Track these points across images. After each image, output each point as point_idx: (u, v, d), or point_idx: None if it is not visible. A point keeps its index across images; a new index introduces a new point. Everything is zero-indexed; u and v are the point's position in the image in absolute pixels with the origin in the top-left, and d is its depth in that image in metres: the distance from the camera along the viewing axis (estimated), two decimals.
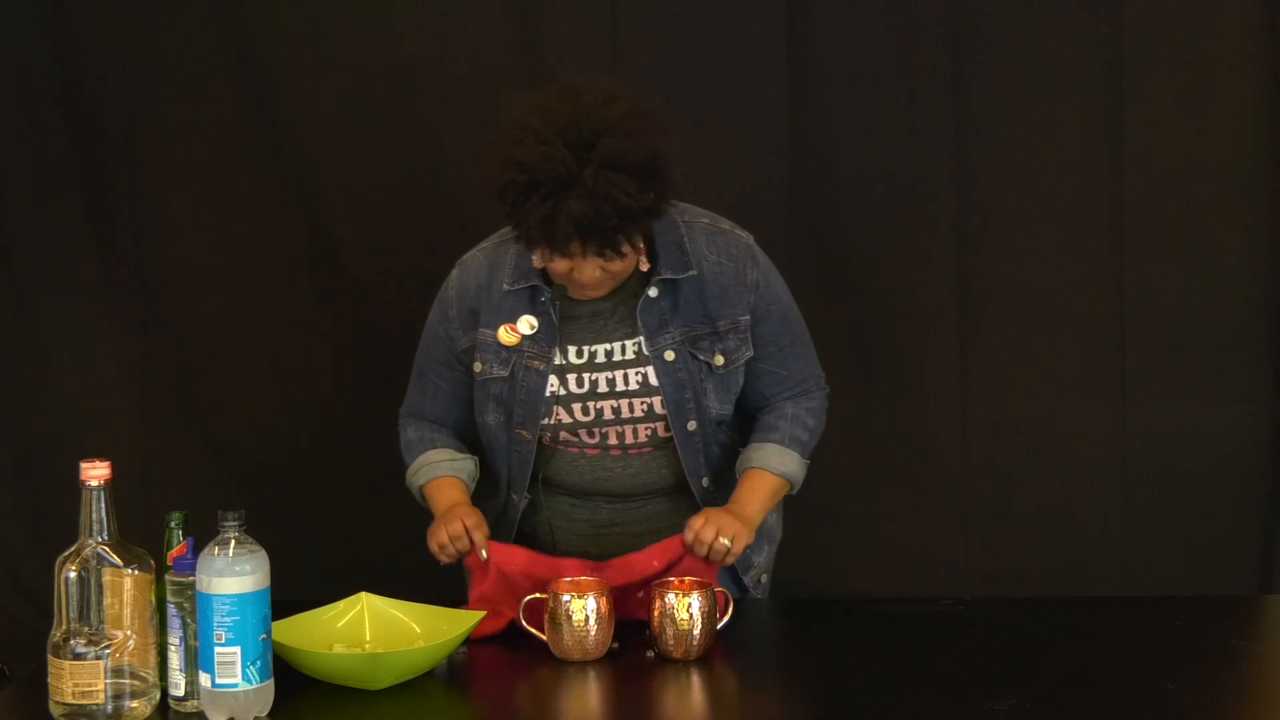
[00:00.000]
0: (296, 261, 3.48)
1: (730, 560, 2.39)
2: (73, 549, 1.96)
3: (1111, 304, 3.36)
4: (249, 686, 1.94)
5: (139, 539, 2.02)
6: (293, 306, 3.50)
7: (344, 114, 3.44)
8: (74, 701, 1.94)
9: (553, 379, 2.47)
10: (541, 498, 2.56)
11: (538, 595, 2.28)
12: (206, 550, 1.95)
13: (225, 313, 3.51)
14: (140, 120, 3.46)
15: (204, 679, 1.94)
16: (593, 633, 2.20)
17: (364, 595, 2.31)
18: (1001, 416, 3.40)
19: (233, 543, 1.94)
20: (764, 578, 2.65)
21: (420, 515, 3.50)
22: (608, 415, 2.47)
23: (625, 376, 2.47)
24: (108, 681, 1.95)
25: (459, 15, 3.39)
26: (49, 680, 1.96)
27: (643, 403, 2.47)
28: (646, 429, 2.49)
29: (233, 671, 1.93)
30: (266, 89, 3.43)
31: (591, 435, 2.49)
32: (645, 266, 2.44)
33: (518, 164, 2.26)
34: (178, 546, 2.05)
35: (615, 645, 2.24)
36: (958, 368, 3.40)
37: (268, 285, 3.51)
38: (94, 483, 1.96)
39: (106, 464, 1.96)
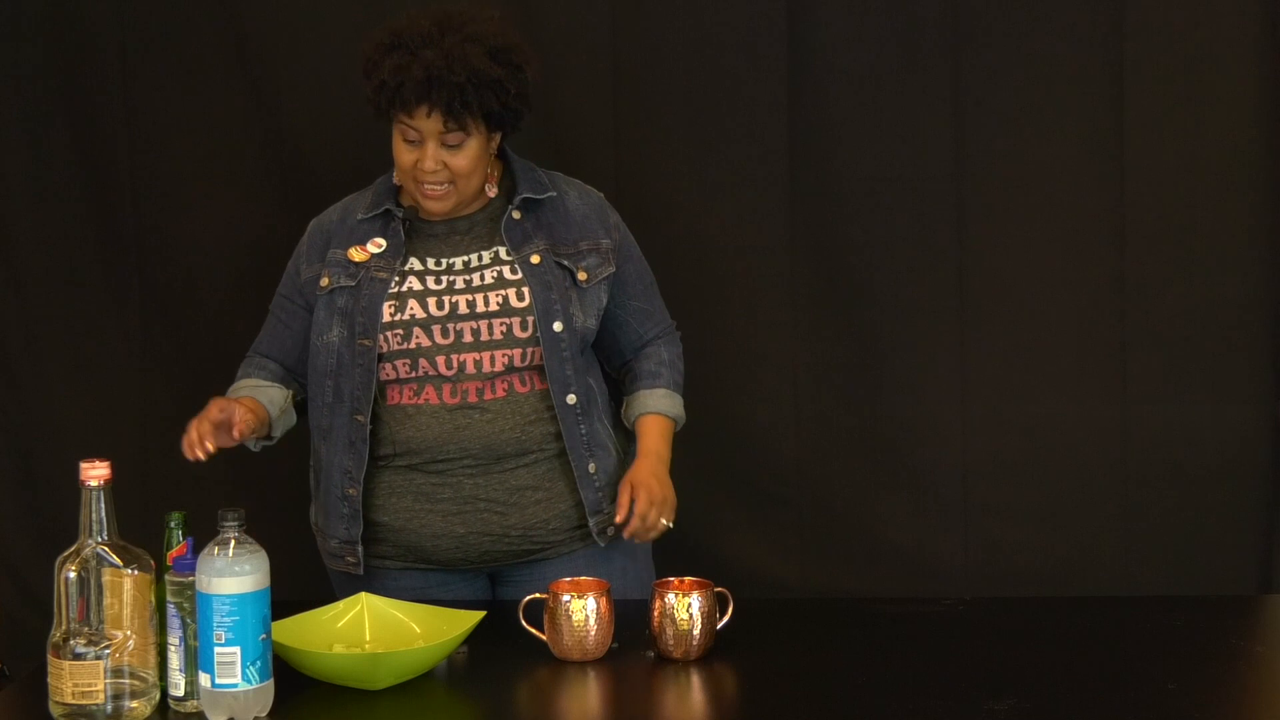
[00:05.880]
0: None
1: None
2: (73, 549, 1.96)
3: (1111, 304, 3.35)
4: (249, 687, 1.94)
5: (139, 539, 2.02)
6: None
7: (345, 114, 3.42)
8: (74, 701, 1.94)
9: (411, 279, 2.53)
10: (394, 481, 2.57)
11: (537, 595, 2.28)
12: (206, 550, 1.95)
13: (226, 312, 3.50)
14: (140, 120, 3.45)
15: (204, 679, 1.94)
16: (592, 633, 2.20)
17: (364, 595, 2.31)
18: (1001, 416, 3.40)
19: (233, 543, 1.94)
20: (609, 528, 2.62)
21: None
22: (462, 309, 2.51)
23: (482, 275, 2.54)
24: (107, 681, 1.95)
25: None
26: (49, 680, 1.96)
27: (498, 295, 2.52)
28: (502, 325, 2.50)
29: (232, 672, 1.93)
30: (267, 88, 3.43)
31: (446, 335, 2.50)
32: (492, 192, 2.56)
33: (388, 30, 2.47)
34: (178, 546, 2.05)
35: (615, 645, 2.24)
36: (958, 368, 3.39)
37: (269, 284, 3.49)
38: (94, 483, 1.96)
39: (106, 464, 1.96)
